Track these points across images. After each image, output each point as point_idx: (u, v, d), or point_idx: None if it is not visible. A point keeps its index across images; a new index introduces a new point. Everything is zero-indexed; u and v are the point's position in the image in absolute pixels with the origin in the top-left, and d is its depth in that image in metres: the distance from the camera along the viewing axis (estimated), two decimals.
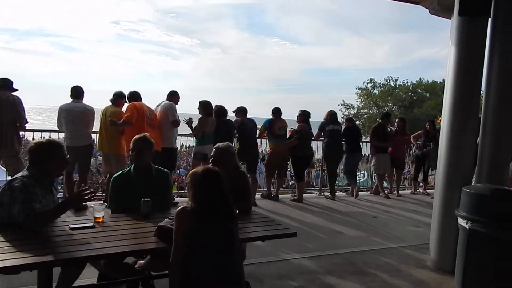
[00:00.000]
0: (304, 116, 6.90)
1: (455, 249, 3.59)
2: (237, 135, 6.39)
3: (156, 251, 2.42)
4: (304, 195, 7.07)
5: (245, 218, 2.86)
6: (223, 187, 2.25)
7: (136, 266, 2.82)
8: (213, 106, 6.06)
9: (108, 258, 2.46)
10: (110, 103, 5.62)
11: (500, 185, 3.68)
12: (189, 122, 5.81)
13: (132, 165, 3.11)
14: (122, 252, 2.30)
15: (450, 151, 3.90)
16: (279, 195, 6.85)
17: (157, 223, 2.47)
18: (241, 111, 6.51)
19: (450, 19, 4.00)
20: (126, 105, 5.60)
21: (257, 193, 6.84)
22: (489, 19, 3.86)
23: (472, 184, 3.89)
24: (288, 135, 6.88)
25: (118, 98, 5.65)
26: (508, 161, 4.23)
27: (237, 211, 2.52)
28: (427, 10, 4.51)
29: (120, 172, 3.17)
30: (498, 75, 3.86)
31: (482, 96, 4.06)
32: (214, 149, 3.29)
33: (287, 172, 8.76)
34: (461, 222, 3.43)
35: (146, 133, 3.21)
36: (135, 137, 3.11)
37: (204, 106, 5.91)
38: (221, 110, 6.17)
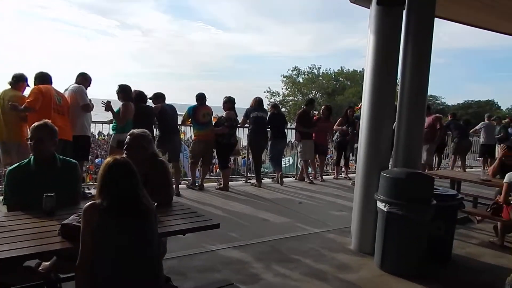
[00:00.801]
0: (230, 103, 6.80)
1: (374, 232, 3.78)
2: (157, 122, 6.10)
3: (61, 252, 2.16)
4: (230, 183, 7.02)
5: (164, 211, 2.69)
6: (135, 179, 2.05)
7: (40, 268, 2.53)
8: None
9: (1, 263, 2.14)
10: (9, 87, 5.00)
11: (414, 169, 3.94)
12: (107, 105, 5.37)
13: (32, 156, 2.75)
14: (18, 256, 2.01)
15: (369, 137, 4.07)
16: (205, 184, 6.72)
17: (62, 221, 2.20)
18: (159, 97, 6.22)
19: (369, 8, 4.14)
20: (28, 89, 5.02)
21: (182, 183, 6.65)
22: (404, 10, 4.07)
23: (389, 168, 4.11)
24: (213, 122, 6.75)
25: (18, 81, 5.04)
26: (421, 146, 4.55)
27: (155, 204, 2.35)
28: None
29: (17, 164, 2.79)
30: (411, 64, 4.10)
31: (398, 84, 4.29)
32: (128, 136, 3.05)
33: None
34: (380, 205, 3.61)
35: (47, 120, 2.85)
36: (33, 124, 2.76)
37: (126, 90, 5.51)
38: (141, 95, 5.82)
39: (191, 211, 2.87)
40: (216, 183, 7.10)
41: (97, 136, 18.18)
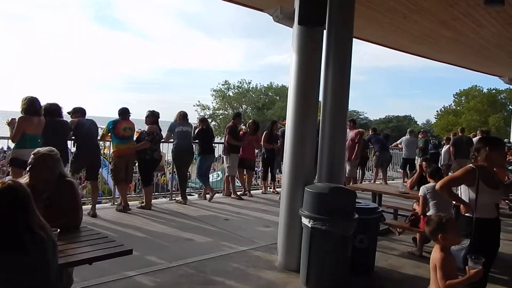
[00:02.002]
0: (153, 117, 6.56)
1: (300, 248, 3.80)
2: (73, 138, 5.69)
3: None
4: (154, 200, 6.73)
5: (69, 237, 2.44)
6: (26, 208, 1.82)
7: None
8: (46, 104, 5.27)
9: None
10: None
11: (338, 184, 4.06)
12: (10, 123, 4.92)
13: None
14: None
15: (293, 152, 4.13)
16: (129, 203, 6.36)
17: None
18: (77, 111, 5.83)
19: (292, 27, 4.25)
20: None
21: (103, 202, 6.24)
22: (325, 30, 4.24)
23: (314, 183, 4.19)
24: (135, 137, 6.45)
25: None
26: (343, 160, 4.72)
27: (58, 230, 2.13)
28: (272, 17, 4.71)
29: None
30: (332, 82, 4.27)
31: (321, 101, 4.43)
32: (32, 155, 2.78)
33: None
34: (304, 221, 3.64)
35: None
36: None
37: (28, 103, 4.99)
38: (52, 109, 5.34)
39: (101, 236, 2.64)
40: (138, 201, 6.76)
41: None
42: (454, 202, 3.97)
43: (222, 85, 43.33)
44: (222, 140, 8.19)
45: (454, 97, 47.19)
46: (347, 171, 8.38)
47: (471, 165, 3.12)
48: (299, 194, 3.92)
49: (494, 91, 43.17)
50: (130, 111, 6.36)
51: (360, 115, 52.35)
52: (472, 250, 2.87)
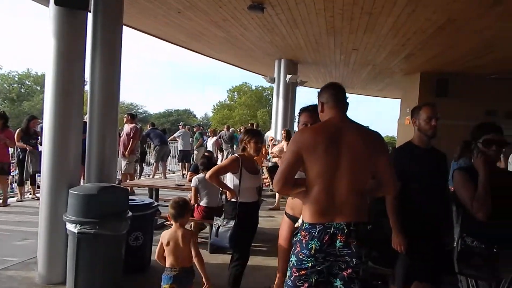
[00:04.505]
0: None
1: (66, 258, 3.56)
2: None
3: None
4: None
5: None
6: None
7: None
8: None
9: None
10: None
11: (108, 182, 3.95)
12: None
13: None
14: None
15: (54, 151, 3.78)
16: None
17: None
18: None
19: (48, 7, 3.85)
20: None
21: None
22: (90, 14, 4.03)
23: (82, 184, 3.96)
24: None
25: None
26: (115, 157, 4.61)
27: None
28: None
29: None
30: (101, 71, 4.10)
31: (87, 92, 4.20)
32: None
33: None
34: (70, 227, 3.42)
35: None
36: None
37: None
38: None
39: None
40: None
41: None
42: (221, 190, 4.43)
43: None
44: None
45: (227, 92, 52.89)
46: (122, 168, 8.26)
47: (235, 154, 3.60)
48: (62, 198, 3.66)
49: (261, 88, 50.45)
50: None
51: (139, 108, 52.31)
52: (236, 230, 3.33)
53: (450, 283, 2.83)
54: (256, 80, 65.45)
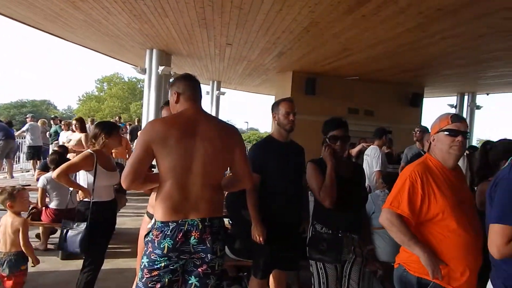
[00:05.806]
0: None
1: None
2: None
3: None
4: None
5: None
6: None
7: None
8: None
9: None
10: None
11: None
12: None
13: None
14: None
15: None
16: None
17: None
18: None
19: None
20: None
21: None
22: None
23: None
24: None
25: None
26: None
27: None
28: None
29: None
30: None
31: None
32: None
33: None
34: None
35: None
36: None
37: None
38: None
39: None
40: None
41: None
42: (71, 189, 4.13)
43: None
44: None
45: (96, 83, 49.45)
46: None
47: (89, 150, 3.35)
48: None
49: (134, 79, 48.37)
50: None
51: None
52: (89, 233, 3.13)
53: (307, 268, 3.04)
54: (130, 71, 62.63)
